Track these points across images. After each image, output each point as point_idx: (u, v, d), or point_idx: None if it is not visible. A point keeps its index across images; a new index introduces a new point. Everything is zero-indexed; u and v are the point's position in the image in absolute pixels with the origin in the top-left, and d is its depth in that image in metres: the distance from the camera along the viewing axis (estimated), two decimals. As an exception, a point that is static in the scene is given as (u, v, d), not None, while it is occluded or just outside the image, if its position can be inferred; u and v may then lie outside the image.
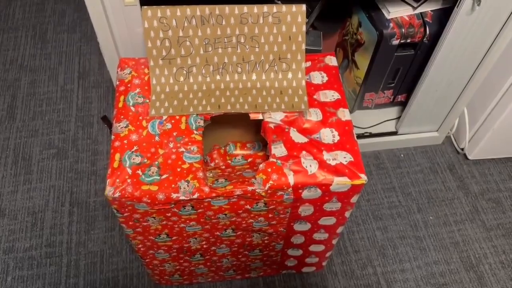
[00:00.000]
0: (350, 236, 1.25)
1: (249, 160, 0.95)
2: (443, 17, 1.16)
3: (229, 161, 0.94)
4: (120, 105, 0.86)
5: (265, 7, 0.84)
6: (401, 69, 1.28)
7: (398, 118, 1.42)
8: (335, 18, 1.31)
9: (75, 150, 1.39)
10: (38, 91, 1.53)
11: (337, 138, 0.84)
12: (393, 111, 1.45)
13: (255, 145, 1.08)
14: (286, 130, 0.84)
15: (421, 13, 1.18)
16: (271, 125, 0.85)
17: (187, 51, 0.87)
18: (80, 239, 1.23)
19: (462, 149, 1.42)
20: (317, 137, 0.84)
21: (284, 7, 0.85)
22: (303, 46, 0.88)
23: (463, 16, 1.03)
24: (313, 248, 1.04)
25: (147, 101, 0.87)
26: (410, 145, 1.44)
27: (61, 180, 1.33)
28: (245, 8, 0.84)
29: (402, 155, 1.42)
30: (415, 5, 1.16)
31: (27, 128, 1.44)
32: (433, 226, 1.29)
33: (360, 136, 1.38)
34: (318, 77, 0.93)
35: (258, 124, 0.87)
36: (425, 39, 1.19)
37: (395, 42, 1.18)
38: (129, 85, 0.89)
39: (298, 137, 0.84)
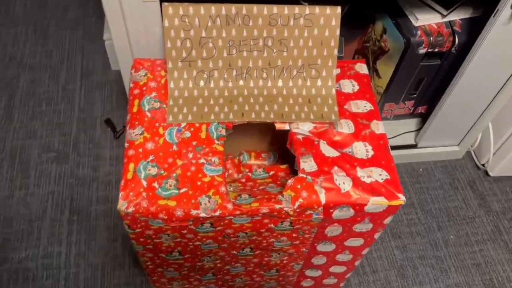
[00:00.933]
0: (368, 255, 1.18)
1: (271, 173, 0.88)
2: (472, 26, 1.11)
3: (250, 174, 0.87)
4: (135, 109, 0.79)
5: (297, 8, 0.78)
6: (425, 79, 1.22)
7: (418, 130, 1.36)
8: (356, 23, 1.25)
9: (76, 154, 1.31)
10: (37, 90, 1.44)
11: (371, 153, 0.77)
12: (412, 123, 1.38)
13: (270, 155, 1.01)
14: (316, 142, 0.77)
15: (449, 21, 1.12)
16: (299, 137, 0.78)
17: (209, 53, 0.79)
18: (80, 250, 1.14)
19: (483, 165, 1.36)
20: (350, 151, 0.77)
21: (317, 9, 0.78)
22: (335, 52, 0.81)
23: (500, 26, 0.96)
24: (333, 269, 0.96)
25: (164, 106, 0.79)
26: (429, 159, 1.38)
27: (60, 186, 1.25)
28: (275, 8, 0.77)
29: (421, 169, 1.36)
30: (444, 12, 1.10)
31: (25, 129, 1.35)
32: (454, 246, 1.22)
33: (378, 148, 1.31)
34: (348, 86, 0.86)
35: (273, 133, 0.80)
36: (453, 48, 1.13)
37: (422, 51, 1.12)
38: (144, 88, 0.81)
39: (328, 151, 0.76)
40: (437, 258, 1.20)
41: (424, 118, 1.36)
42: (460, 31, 1.11)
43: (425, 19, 1.11)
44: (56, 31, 1.59)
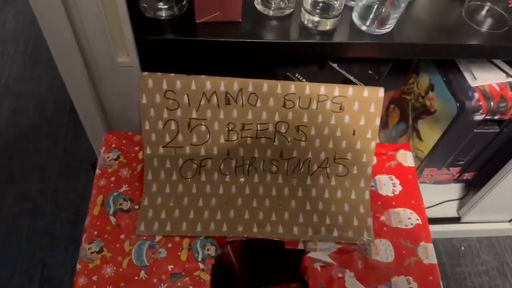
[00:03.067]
0: None
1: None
2: (545, 88, 0.87)
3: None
4: (96, 211, 0.58)
5: (322, 88, 0.56)
6: (477, 147, 0.99)
7: (461, 198, 1.13)
8: (396, 74, 1.02)
9: (54, 206, 1.12)
10: (20, 122, 1.26)
11: (415, 294, 0.55)
12: (455, 190, 1.15)
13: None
14: (340, 275, 0.56)
15: (516, 81, 0.89)
16: (317, 265, 0.56)
17: (202, 139, 0.59)
18: (46, 333, 0.96)
19: (539, 247, 1.12)
20: (386, 290, 0.55)
21: (351, 90, 0.56)
22: (373, 145, 0.59)
23: None
24: None
25: (136, 207, 0.59)
26: (473, 235, 1.14)
27: (32, 246, 1.06)
28: (293, 87, 0.56)
29: (463, 248, 1.13)
30: (511, 72, 0.87)
31: (1, 171, 1.17)
32: None
33: (412, 221, 1.09)
34: (387, 185, 0.64)
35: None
36: (518, 116, 0.90)
37: (479, 117, 0.88)
38: (112, 179, 0.61)
39: (357, 289, 0.55)
40: None
41: (469, 184, 1.13)
42: (528, 94, 0.88)
43: (485, 78, 0.87)
44: (48, 54, 1.40)
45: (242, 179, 0.60)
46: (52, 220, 1.10)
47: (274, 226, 0.58)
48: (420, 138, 1.01)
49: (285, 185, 0.60)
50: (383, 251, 0.58)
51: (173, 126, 0.58)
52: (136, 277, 0.54)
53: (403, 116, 1.08)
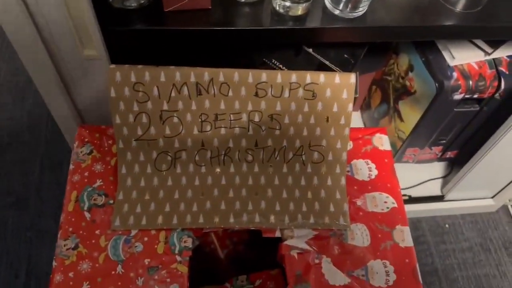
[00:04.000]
0: None
1: (257, 283, 0.67)
2: (524, 66, 0.87)
3: (228, 286, 0.66)
4: (70, 207, 0.58)
5: (294, 76, 0.55)
6: (458, 125, 0.99)
7: (444, 177, 1.14)
8: (376, 52, 1.01)
9: (37, 200, 1.11)
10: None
11: (392, 277, 0.56)
12: (438, 168, 1.15)
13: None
14: (316, 261, 0.56)
15: (494, 59, 0.88)
16: (293, 253, 0.56)
17: (174, 130, 0.58)
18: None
19: (522, 222, 1.14)
20: (363, 276, 0.56)
21: (322, 77, 0.55)
22: (347, 131, 0.59)
23: None
24: None
25: (111, 202, 0.59)
26: (457, 213, 1.15)
27: (17, 241, 1.05)
28: (264, 75, 0.55)
29: (447, 226, 1.14)
30: (489, 50, 0.86)
31: (-18, 166, 1.16)
32: (484, 328, 1.02)
33: (396, 201, 1.09)
34: (363, 170, 0.64)
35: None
36: (497, 94, 0.90)
37: (458, 96, 0.88)
38: (86, 174, 0.60)
39: (334, 275, 0.55)
40: None
41: (452, 163, 1.13)
42: (507, 72, 0.88)
43: (464, 58, 0.87)
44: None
45: (218, 170, 0.60)
46: (36, 214, 1.09)
47: (251, 216, 0.58)
48: (401, 119, 1.01)
49: (261, 174, 0.60)
50: (359, 236, 0.58)
51: (144, 119, 0.57)
52: (113, 272, 0.54)
53: (384, 97, 1.08)
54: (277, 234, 0.58)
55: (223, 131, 0.58)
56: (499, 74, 0.87)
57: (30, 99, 1.28)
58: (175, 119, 0.57)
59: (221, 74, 0.55)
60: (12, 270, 1.02)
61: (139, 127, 0.57)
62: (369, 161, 0.64)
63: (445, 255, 1.10)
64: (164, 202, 0.58)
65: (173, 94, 0.55)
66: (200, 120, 0.58)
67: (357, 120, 1.19)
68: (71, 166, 0.61)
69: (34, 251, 1.04)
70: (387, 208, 0.61)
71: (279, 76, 0.55)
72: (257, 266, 0.66)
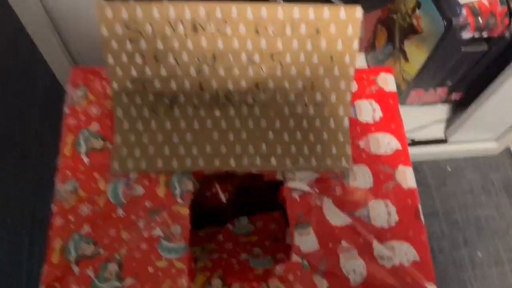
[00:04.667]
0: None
1: (258, 224, 0.67)
2: (538, 2, 0.83)
3: (230, 227, 0.66)
4: (67, 151, 0.57)
5: (296, 11, 0.52)
6: (465, 66, 0.96)
7: (448, 119, 1.12)
8: (382, -10, 0.96)
9: (38, 148, 1.10)
10: None
11: (394, 217, 0.56)
12: (442, 111, 1.13)
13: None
14: (318, 203, 0.56)
15: (507, -5, 0.84)
16: (295, 195, 0.56)
17: (171, 71, 0.56)
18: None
19: (524, 164, 1.13)
20: (365, 215, 0.56)
21: (326, 11, 0.52)
22: (351, 71, 0.56)
23: None
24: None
25: (110, 146, 0.57)
26: (460, 156, 1.15)
27: (21, 189, 1.06)
28: (264, 10, 0.52)
29: (449, 168, 1.14)
30: (502, -16, 0.82)
31: (-21, 113, 1.14)
32: (481, 266, 1.04)
33: (398, 144, 1.08)
34: (367, 110, 0.62)
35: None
36: (507, 33, 0.86)
37: (467, 35, 0.85)
38: (82, 117, 0.59)
39: (335, 216, 0.55)
40: (460, 280, 1.02)
41: (456, 105, 1.11)
42: (520, 9, 0.84)
43: (475, -7, 0.82)
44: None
45: (217, 113, 0.58)
46: (38, 162, 1.09)
47: (252, 159, 0.57)
48: (406, 59, 0.98)
49: (262, 117, 0.59)
50: (361, 177, 0.57)
51: (138, 59, 0.54)
52: (114, 215, 0.54)
53: (390, 37, 1.04)
54: (279, 177, 0.57)
55: (221, 72, 0.56)
56: (510, 11, 0.83)
57: (25, 47, 1.24)
58: (171, 60, 0.55)
59: (218, 9, 0.52)
60: (19, 217, 1.03)
61: (133, 67, 0.55)
62: (374, 102, 0.62)
63: (446, 197, 1.10)
64: (163, 145, 0.57)
65: (167, 32, 0.53)
66: (197, 60, 0.55)
67: (361, 62, 1.15)
68: (66, 110, 0.59)
69: (39, 198, 1.05)
70: (391, 150, 0.59)
71: (280, 12, 0.52)
72: (259, 210, 0.66)
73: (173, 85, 0.57)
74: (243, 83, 0.57)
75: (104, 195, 0.55)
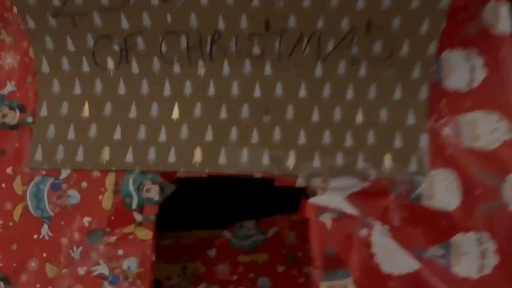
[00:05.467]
0: None
1: (270, 232, 0.45)
2: None
3: (227, 234, 0.45)
4: (-36, 129, 0.36)
5: None
6: None
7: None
8: None
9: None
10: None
11: (492, 260, 0.33)
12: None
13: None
14: (364, 232, 0.33)
15: None
16: (325, 218, 0.33)
17: (116, -1, 0.32)
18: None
19: None
20: (442, 257, 0.33)
21: None
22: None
23: None
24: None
25: (31, 120, 0.36)
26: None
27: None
28: None
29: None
30: None
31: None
32: None
33: None
34: (460, 69, 0.36)
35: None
36: None
37: None
38: (-10, 71, 0.37)
39: (393, 256, 0.33)
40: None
41: None
42: None
43: None
44: None
45: (201, 70, 0.35)
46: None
47: (259, 153, 0.34)
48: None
49: (276, 80, 0.34)
50: (442, 190, 0.34)
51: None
52: (36, 236, 0.34)
53: None
54: (300, 183, 0.35)
55: (205, 1, 0.31)
56: None
57: None
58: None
59: None
60: None
61: (53, -8, 0.31)
62: (473, 54, 0.36)
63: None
64: (113, 123, 0.35)
65: None
66: (161, -21, 0.30)
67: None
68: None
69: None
70: (498, 140, 0.35)
71: None
72: (272, 206, 0.45)
73: (125, 22, 0.33)
74: (244, 21, 0.32)
75: (21, 203, 0.35)
